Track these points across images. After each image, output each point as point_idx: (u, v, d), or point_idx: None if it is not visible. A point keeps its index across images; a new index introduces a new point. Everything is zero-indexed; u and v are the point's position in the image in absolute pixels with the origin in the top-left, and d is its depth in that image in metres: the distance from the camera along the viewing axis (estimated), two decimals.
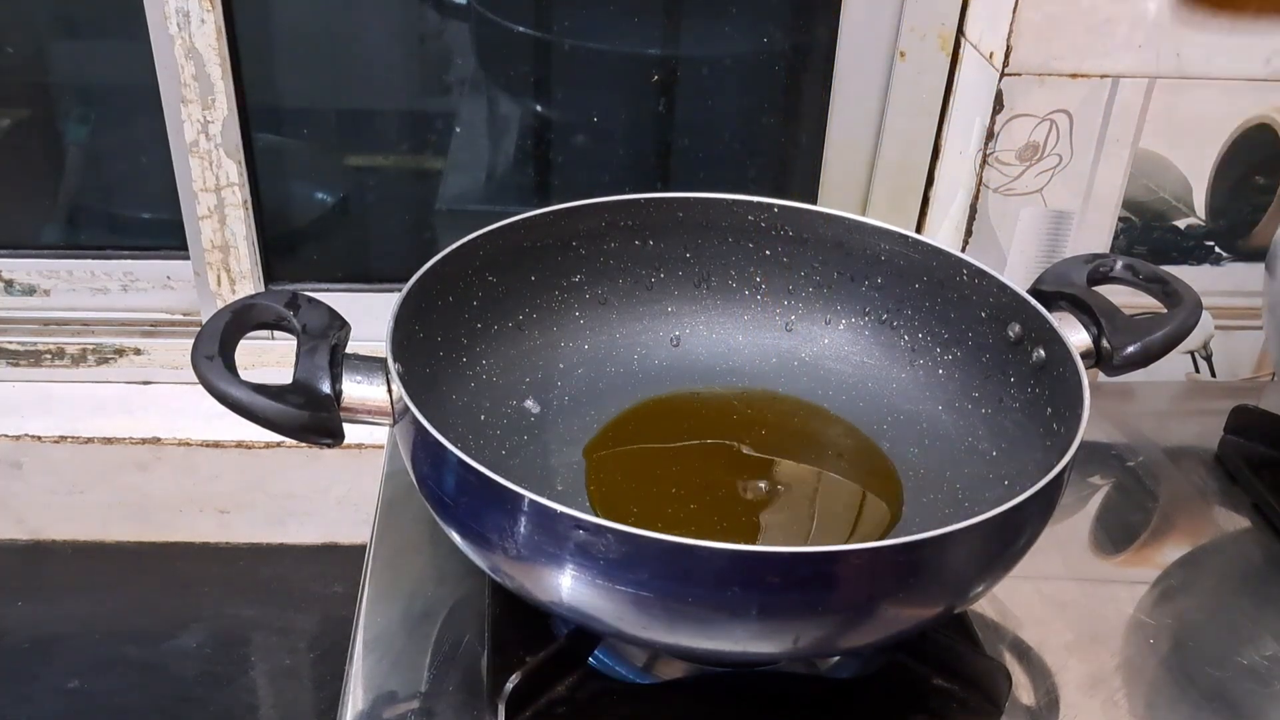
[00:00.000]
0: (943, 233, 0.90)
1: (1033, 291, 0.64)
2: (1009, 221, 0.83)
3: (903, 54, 0.89)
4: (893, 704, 0.58)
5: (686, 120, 0.98)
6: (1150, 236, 0.84)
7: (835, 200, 0.96)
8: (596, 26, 0.93)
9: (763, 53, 0.94)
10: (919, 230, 0.94)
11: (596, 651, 0.58)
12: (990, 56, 0.80)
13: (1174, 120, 0.80)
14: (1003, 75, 0.78)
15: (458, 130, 0.99)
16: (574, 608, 0.50)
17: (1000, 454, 0.64)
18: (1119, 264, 0.67)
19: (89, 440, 0.97)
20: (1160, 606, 0.66)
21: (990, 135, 0.80)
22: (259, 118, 0.93)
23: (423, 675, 0.59)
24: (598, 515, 0.46)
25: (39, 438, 0.97)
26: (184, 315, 1.02)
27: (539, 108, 0.98)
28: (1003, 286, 0.65)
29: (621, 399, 0.71)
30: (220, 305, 0.59)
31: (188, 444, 0.97)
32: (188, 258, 0.98)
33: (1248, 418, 0.78)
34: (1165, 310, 0.65)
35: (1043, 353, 0.62)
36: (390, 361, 0.55)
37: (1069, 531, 0.72)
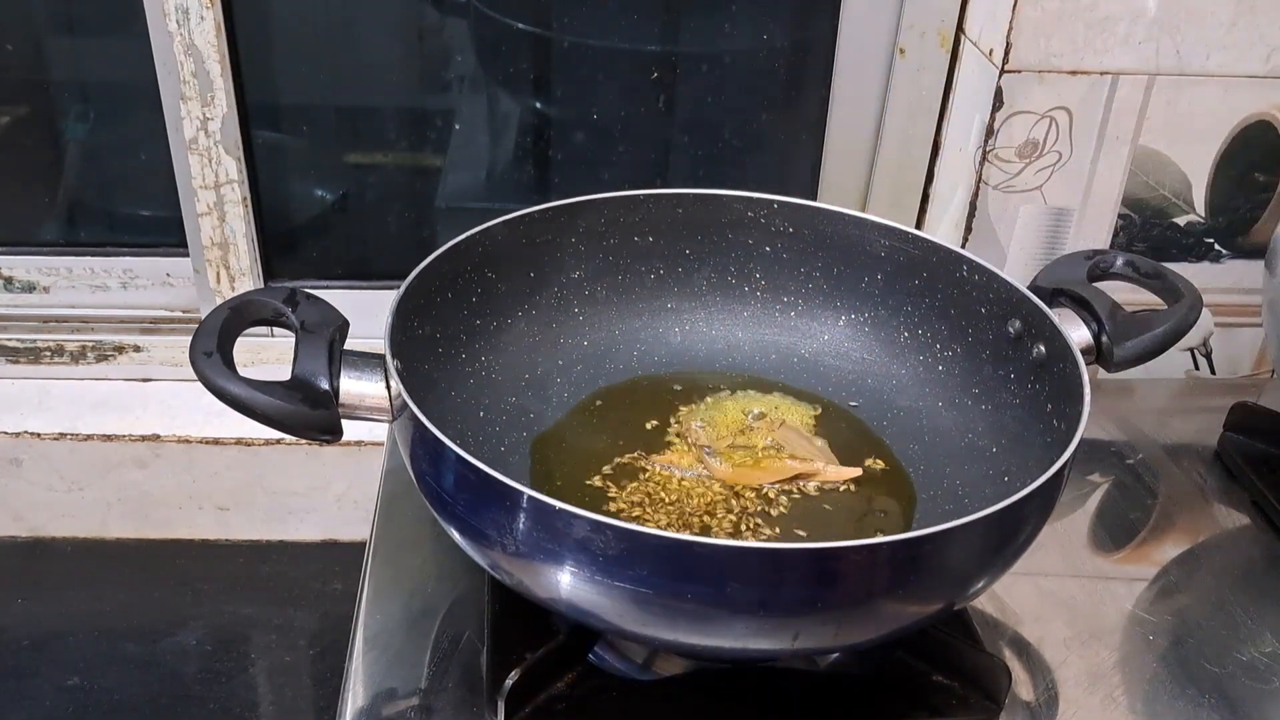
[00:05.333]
0: (942, 229, 0.89)
1: (1033, 288, 0.64)
2: (1008, 218, 0.83)
3: (902, 51, 0.89)
4: (892, 700, 0.58)
5: (686, 117, 0.98)
6: (1150, 233, 0.84)
7: (835, 197, 0.96)
8: (596, 23, 0.93)
9: (762, 49, 0.94)
10: (918, 227, 0.94)
11: (596, 648, 0.58)
12: (990, 53, 0.80)
13: (1174, 117, 0.80)
14: (1002, 72, 0.78)
15: (457, 127, 0.99)
16: (573, 604, 0.50)
17: (1000, 450, 0.64)
18: (1119, 260, 0.67)
19: (88, 437, 0.97)
20: (1159, 603, 0.66)
21: (990, 132, 0.80)
22: (258, 115, 0.93)
23: (422, 672, 0.59)
24: (596, 511, 0.46)
25: (38, 435, 0.97)
26: (183, 312, 1.02)
27: (538, 105, 0.98)
28: (1003, 282, 0.65)
29: (621, 396, 0.70)
30: (219, 302, 0.59)
31: (187, 441, 0.97)
32: (187, 255, 0.98)
33: (1247, 415, 0.78)
34: (1165, 306, 0.64)
35: (1043, 349, 0.62)
36: (389, 358, 0.55)
37: (1069, 528, 0.72)
